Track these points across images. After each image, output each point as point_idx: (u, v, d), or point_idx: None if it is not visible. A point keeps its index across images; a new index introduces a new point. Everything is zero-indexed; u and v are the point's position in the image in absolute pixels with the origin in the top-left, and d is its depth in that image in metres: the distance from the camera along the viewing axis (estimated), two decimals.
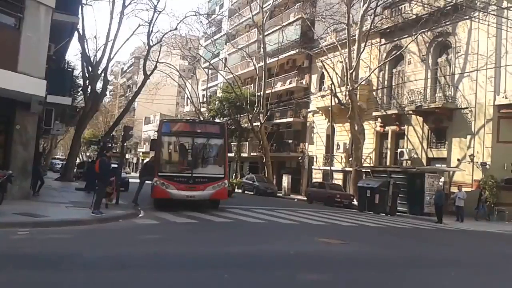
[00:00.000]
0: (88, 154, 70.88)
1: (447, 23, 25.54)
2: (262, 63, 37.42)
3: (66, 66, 26.27)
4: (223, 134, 17.55)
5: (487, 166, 23.34)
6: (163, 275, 6.80)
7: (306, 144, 38.84)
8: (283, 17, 38.93)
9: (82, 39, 28.82)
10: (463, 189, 21.87)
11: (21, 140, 14.70)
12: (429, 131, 27.25)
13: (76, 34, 24.38)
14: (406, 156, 27.62)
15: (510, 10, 22.19)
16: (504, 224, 20.98)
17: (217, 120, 39.68)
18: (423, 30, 26.19)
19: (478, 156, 23.87)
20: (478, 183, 23.44)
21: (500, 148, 23.02)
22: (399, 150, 28.67)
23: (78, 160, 41.90)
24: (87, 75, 30.41)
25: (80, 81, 32.03)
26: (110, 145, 28.57)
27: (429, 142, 27.27)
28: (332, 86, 30.37)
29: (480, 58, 24.17)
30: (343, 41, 30.10)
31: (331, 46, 32.66)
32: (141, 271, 6.95)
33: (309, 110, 38.60)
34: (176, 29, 35.74)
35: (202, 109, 49.13)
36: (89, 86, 30.54)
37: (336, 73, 31.39)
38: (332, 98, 30.71)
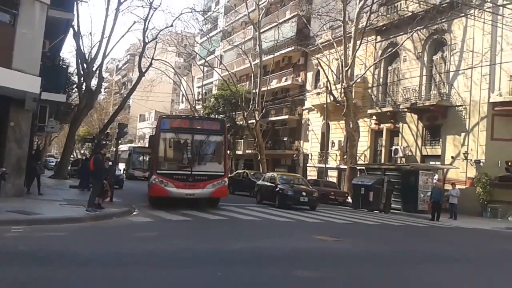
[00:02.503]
0: (82, 151, 70.66)
1: (443, 20, 25.58)
2: (257, 61, 37.36)
3: (60, 63, 26.20)
4: (223, 130, 17.33)
5: (481, 164, 23.44)
6: (157, 272, 6.80)
7: (301, 141, 38.87)
8: (279, 14, 38.86)
9: (77, 35, 28.66)
10: (457, 186, 21.96)
11: (15, 137, 14.63)
12: (424, 129, 27.33)
13: (71, 30, 24.22)
14: (400, 154, 27.69)
15: (506, 8, 22.24)
16: (498, 221, 21.08)
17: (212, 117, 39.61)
18: (419, 28, 26.23)
19: (472, 154, 23.97)
20: (472, 181, 23.54)
21: (494, 145, 23.11)
22: (393, 147, 28.75)
23: (72, 158, 41.76)
24: (81, 72, 30.28)
25: (75, 78, 31.91)
26: (104, 142, 28.54)
27: (424, 139, 27.35)
28: (328, 83, 30.38)
29: (475, 56, 24.24)
30: (339, 38, 30.12)
31: (326, 43, 32.65)
32: (136, 268, 6.96)
33: (304, 107, 38.62)
34: (171, 26, 35.86)
35: (198, 107, 49.04)
36: (84, 83, 30.40)
37: (332, 71, 31.41)
38: (328, 95, 30.72)
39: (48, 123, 20.86)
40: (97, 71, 31.96)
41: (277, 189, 19.81)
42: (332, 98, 30.07)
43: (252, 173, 29.19)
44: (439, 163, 25.66)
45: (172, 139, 16.78)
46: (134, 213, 14.14)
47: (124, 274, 6.60)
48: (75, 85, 32.37)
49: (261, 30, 37.23)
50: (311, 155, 37.09)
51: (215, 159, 16.97)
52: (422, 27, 26.19)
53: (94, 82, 32.70)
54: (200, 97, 53.12)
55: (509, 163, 19.87)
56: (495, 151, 22.79)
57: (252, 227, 13.19)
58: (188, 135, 16.51)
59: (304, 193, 19.33)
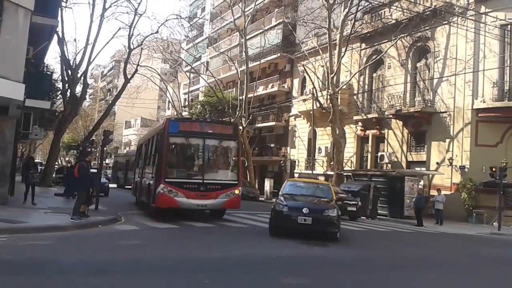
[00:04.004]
0: (67, 158, 69.90)
1: (426, 28, 25.94)
2: (244, 67, 37.44)
3: (45, 69, 25.91)
4: (236, 135, 16.13)
5: (466, 170, 23.70)
6: (143, 280, 6.74)
7: (288, 148, 38.95)
8: (265, 21, 39.02)
9: (61, 42, 28.44)
10: (442, 192, 22.18)
11: None
12: (409, 135, 27.59)
13: (55, 37, 24.03)
14: (386, 160, 27.90)
15: (488, 15, 22.63)
16: (483, 226, 21.31)
17: None
18: (403, 35, 26.55)
19: (457, 160, 24.24)
20: (457, 186, 23.80)
21: (479, 151, 23.40)
22: (379, 153, 28.97)
23: (57, 165, 41.28)
24: (66, 78, 30.00)
25: (59, 85, 31.57)
26: (89, 149, 28.26)
27: (409, 145, 27.60)
28: (314, 90, 30.55)
29: (458, 63, 24.60)
30: (324, 45, 30.33)
31: (312, 50, 32.88)
32: (120, 277, 6.89)
33: (291, 114, 38.75)
34: (157, 32, 35.44)
35: (184, 113, 48.90)
36: (69, 90, 30.13)
37: (318, 77, 31.59)
38: (314, 102, 30.88)
39: (33, 130, 20.63)
40: (82, 78, 31.72)
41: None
42: (318, 104, 30.22)
43: None
44: (424, 169, 25.89)
45: (181, 144, 15.27)
46: (120, 221, 14.00)
47: (109, 282, 6.53)
48: (59, 92, 32.04)
49: (247, 37, 37.36)
50: (298, 162, 37.17)
51: (228, 167, 15.74)
52: (406, 34, 26.51)
53: (78, 88, 32.41)
54: (187, 103, 52.98)
55: (494, 169, 20.08)
56: (480, 157, 23.05)
57: (240, 234, 13.13)
58: (199, 140, 15.15)
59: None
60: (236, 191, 15.19)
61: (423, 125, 26.26)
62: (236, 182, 15.35)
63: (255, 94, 38.87)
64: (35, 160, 19.08)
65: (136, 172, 22.49)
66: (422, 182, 25.02)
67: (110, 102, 42.66)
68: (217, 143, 15.45)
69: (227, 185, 15.01)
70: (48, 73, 24.76)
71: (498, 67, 23.09)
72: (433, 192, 23.37)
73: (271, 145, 40.64)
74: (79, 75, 31.01)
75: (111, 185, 29.65)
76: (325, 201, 12.61)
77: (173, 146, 15.23)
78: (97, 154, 40.02)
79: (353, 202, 20.12)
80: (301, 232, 11.73)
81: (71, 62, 30.61)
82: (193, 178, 14.85)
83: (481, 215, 22.66)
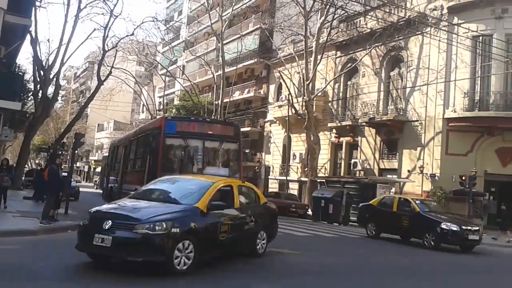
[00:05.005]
0: (37, 161, 68.38)
1: (400, 38, 26.40)
2: (220, 72, 37.39)
3: (16, 69, 25.32)
4: (237, 137, 15.11)
5: (436, 178, 24.13)
6: (111, 285, 6.64)
7: (263, 153, 39.02)
8: (242, 26, 39.12)
9: (34, 42, 27.86)
10: None
11: None
12: (381, 143, 27.99)
13: (28, 36, 23.54)
14: (359, 167, 28.21)
15: (461, 27, 23.18)
16: None
17: None
18: (377, 44, 26.98)
19: (428, 168, 24.66)
20: (427, 194, 24.22)
21: (449, 160, 23.87)
22: (352, 160, 29.29)
23: (26, 168, 40.31)
24: (38, 79, 29.40)
25: (31, 86, 30.91)
26: (60, 152, 27.73)
27: (381, 153, 27.99)
28: (289, 96, 30.74)
29: (430, 73, 25.09)
30: (301, 52, 30.57)
31: (288, 56, 33.10)
32: (90, 282, 6.77)
33: (266, 119, 38.87)
34: (132, 34, 35.04)
35: (159, 117, 48.45)
36: (40, 91, 29.51)
37: (294, 84, 31.81)
38: (289, 108, 31.05)
39: (2, 132, 20.13)
40: (54, 79, 31.12)
41: None
42: (293, 111, 30.41)
43: None
44: (396, 176, 26.27)
45: (178, 146, 14.05)
46: None
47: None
48: (31, 93, 31.35)
49: (224, 42, 37.35)
50: (273, 167, 37.27)
51: (229, 171, 14.77)
52: (380, 43, 26.96)
53: (50, 90, 31.81)
54: (162, 107, 52.55)
55: (463, 178, 20.57)
56: (450, 165, 23.49)
57: None
58: (198, 142, 14.00)
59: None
60: None
61: (395, 133, 26.67)
62: None
63: (231, 99, 38.86)
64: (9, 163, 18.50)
65: (109, 175, 21.90)
66: (393, 190, 25.38)
67: (83, 104, 41.95)
68: (217, 145, 14.36)
69: None
70: (19, 73, 24.22)
71: (470, 78, 23.61)
72: None
73: (246, 151, 40.61)
74: (51, 76, 30.42)
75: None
76: (178, 209, 7.99)
77: (170, 148, 14.00)
78: (68, 157, 39.27)
79: None
80: (100, 259, 8.03)
81: (44, 63, 30.00)
82: None
83: None
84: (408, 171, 25.66)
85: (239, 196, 9.36)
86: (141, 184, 13.63)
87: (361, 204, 19.65)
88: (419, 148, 25.36)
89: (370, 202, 18.43)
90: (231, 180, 10.03)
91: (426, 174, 24.57)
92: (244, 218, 9.29)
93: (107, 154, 40.60)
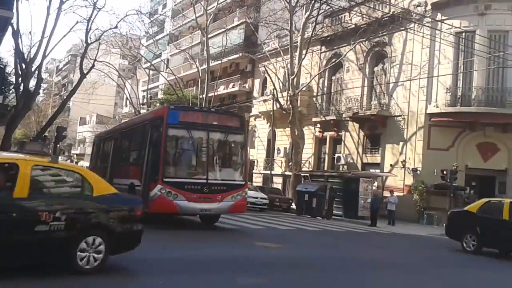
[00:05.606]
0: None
1: (384, 33, 26.60)
2: (205, 66, 37.19)
3: None
4: (243, 128, 14.31)
5: (418, 172, 24.43)
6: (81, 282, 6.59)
7: (248, 148, 38.96)
8: (227, 20, 38.91)
9: (16, 34, 27.33)
10: (395, 193, 22.81)
11: None
12: (365, 137, 28.21)
13: (10, 29, 23.10)
14: (342, 161, 28.41)
15: (444, 23, 23.41)
16: (433, 227, 22.01)
17: None
18: (361, 40, 27.12)
19: (410, 162, 24.95)
20: (409, 188, 24.51)
21: (430, 154, 24.18)
22: (336, 155, 29.45)
23: None
24: (19, 72, 28.84)
25: (12, 78, 30.31)
26: None
27: (364, 147, 28.23)
28: (274, 91, 30.76)
29: (413, 68, 25.32)
30: (286, 47, 30.59)
31: (274, 51, 33.08)
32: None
33: (251, 114, 38.81)
34: (116, 27, 34.53)
35: (142, 111, 48.06)
36: (22, 84, 29.01)
37: (278, 78, 31.82)
38: (274, 103, 31.06)
39: None
40: (36, 72, 30.62)
41: None
42: (278, 105, 30.44)
43: None
44: (378, 170, 26.53)
45: (182, 138, 13.15)
46: None
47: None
48: (12, 86, 30.80)
49: (209, 36, 37.13)
50: (257, 162, 37.27)
51: (234, 165, 13.93)
52: (364, 39, 27.10)
53: (32, 83, 31.17)
54: (145, 101, 52.14)
55: (445, 172, 20.84)
56: (431, 160, 23.81)
57: (195, 234, 12.99)
58: (203, 133, 13.19)
59: None
60: (243, 193, 13.54)
61: (378, 128, 26.89)
62: (243, 183, 13.68)
63: (215, 93, 38.70)
64: None
65: (96, 169, 21.34)
66: (376, 184, 25.62)
67: (65, 97, 41.40)
68: (223, 137, 13.59)
69: (233, 186, 13.22)
70: (1, 66, 23.84)
71: (452, 73, 23.90)
72: (387, 194, 23.97)
73: None
74: (33, 69, 29.87)
75: None
76: None
77: (173, 139, 13.10)
78: (50, 151, 38.82)
79: None
80: None
81: (26, 56, 29.43)
82: (196, 178, 12.88)
83: (432, 216, 23.35)
84: (391, 165, 25.92)
85: (34, 182, 6.42)
86: (138, 178, 13.63)
87: (451, 211, 16.10)
88: (401, 143, 25.63)
89: (466, 208, 14.58)
90: (20, 158, 6.72)
91: (408, 168, 24.86)
92: (34, 215, 6.19)
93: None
